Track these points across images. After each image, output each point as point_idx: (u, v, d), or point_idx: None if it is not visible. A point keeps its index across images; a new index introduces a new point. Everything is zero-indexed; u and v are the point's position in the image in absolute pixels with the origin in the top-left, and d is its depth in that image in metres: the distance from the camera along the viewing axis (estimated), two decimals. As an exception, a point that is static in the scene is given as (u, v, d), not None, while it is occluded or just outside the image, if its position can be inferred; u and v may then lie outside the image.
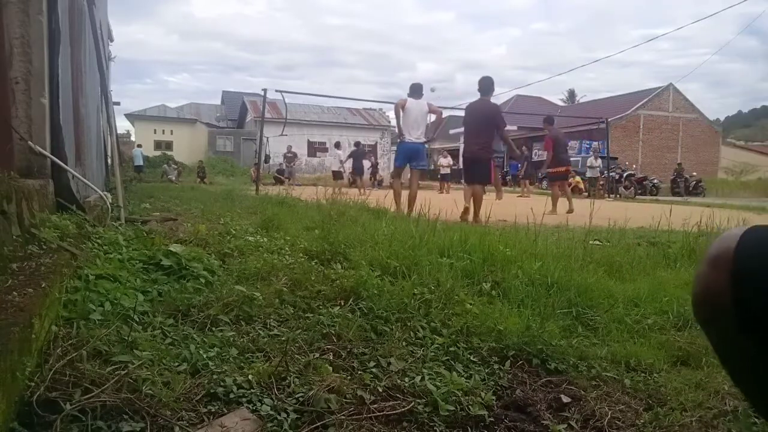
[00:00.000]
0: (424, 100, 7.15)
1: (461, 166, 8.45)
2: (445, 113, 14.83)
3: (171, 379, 1.30)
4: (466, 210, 6.43)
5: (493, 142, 6.93)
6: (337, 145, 21.54)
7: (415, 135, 6.96)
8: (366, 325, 1.87)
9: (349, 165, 18.41)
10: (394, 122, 7.19)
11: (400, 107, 6.95)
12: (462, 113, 7.72)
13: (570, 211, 8.02)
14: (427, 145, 7.41)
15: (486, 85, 6.77)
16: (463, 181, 7.44)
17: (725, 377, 1.61)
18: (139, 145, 25.69)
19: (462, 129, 7.62)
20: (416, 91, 7.08)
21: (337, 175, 18.46)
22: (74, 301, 1.64)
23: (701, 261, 0.65)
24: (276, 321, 1.89)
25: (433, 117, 7.59)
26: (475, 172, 6.77)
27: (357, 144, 17.54)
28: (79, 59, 4.65)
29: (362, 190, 9.23)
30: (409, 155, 7.07)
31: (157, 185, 13.44)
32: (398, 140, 7.33)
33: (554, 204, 8.77)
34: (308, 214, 4.82)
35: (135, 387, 1.23)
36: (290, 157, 22.46)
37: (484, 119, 6.64)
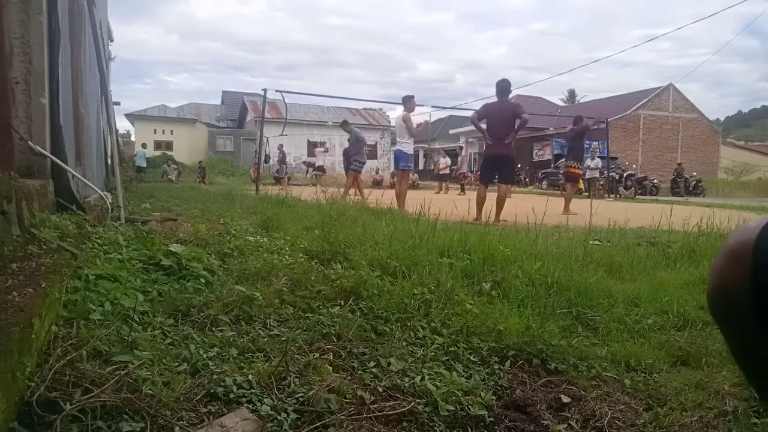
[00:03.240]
0: (402, 112, 8.10)
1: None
2: (445, 113, 15.26)
3: (171, 379, 1.30)
4: (478, 219, 6.08)
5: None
6: (321, 144, 22.07)
7: (397, 144, 8.24)
8: (366, 325, 1.87)
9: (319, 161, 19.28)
10: (393, 122, 8.30)
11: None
12: (462, 113, 8.06)
13: (563, 211, 8.01)
14: (422, 147, 8.43)
15: (504, 87, 6.97)
16: (479, 181, 7.50)
17: (725, 377, 1.61)
18: (144, 145, 25.05)
19: (463, 129, 7.94)
20: (403, 102, 8.09)
21: (320, 170, 18.91)
22: (74, 301, 1.64)
23: (718, 253, 0.63)
24: (276, 321, 1.89)
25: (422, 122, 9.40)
26: (502, 171, 7.01)
27: None
28: (79, 59, 4.65)
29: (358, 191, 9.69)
30: (396, 160, 8.30)
31: (157, 185, 13.44)
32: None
33: (567, 203, 8.84)
34: (308, 214, 4.82)
35: (135, 387, 1.23)
36: (280, 156, 22.46)
37: (509, 118, 6.78)
